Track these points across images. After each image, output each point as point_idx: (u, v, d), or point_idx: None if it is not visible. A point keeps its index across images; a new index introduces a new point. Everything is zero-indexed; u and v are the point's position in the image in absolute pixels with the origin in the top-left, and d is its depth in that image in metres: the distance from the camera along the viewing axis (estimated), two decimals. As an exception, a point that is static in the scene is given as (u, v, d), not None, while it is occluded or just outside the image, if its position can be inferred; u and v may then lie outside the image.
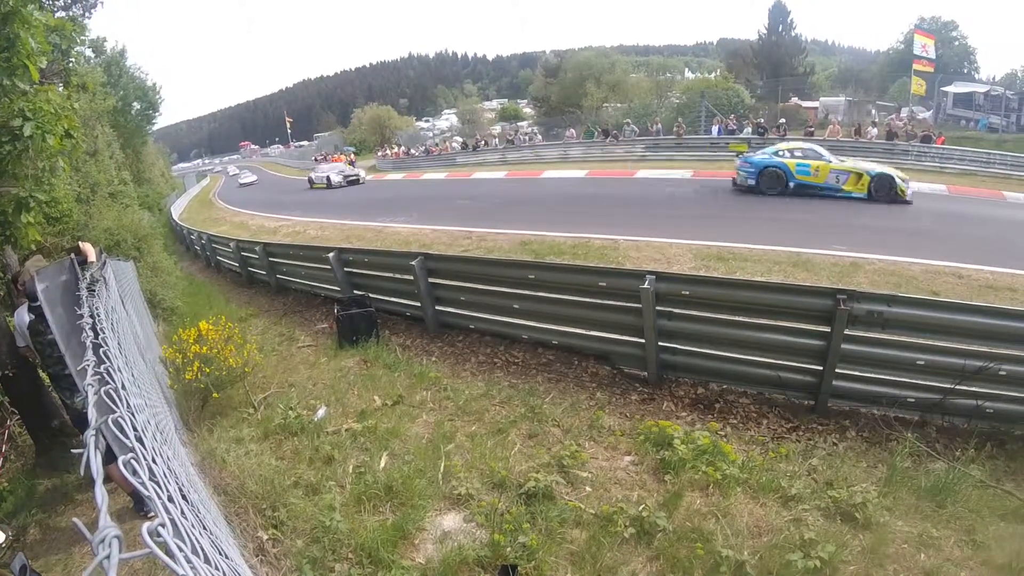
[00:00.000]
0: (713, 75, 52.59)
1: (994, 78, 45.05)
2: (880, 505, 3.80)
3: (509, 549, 3.64)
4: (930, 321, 4.54)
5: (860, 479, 4.12)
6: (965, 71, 44.76)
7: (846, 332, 4.63)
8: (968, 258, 9.05)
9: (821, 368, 4.87)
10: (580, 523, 3.92)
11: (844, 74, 55.87)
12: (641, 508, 3.88)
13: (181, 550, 1.03)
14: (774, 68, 46.54)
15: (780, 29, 50.23)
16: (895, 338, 4.66)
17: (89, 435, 1.26)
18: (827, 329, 4.71)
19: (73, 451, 1.31)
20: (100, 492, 1.03)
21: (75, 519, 1.00)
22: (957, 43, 47.76)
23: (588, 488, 4.29)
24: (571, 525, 3.90)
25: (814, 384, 5.01)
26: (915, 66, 35.65)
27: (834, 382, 4.87)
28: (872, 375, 4.84)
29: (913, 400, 4.74)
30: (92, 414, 1.43)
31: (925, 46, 36.29)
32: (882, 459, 4.38)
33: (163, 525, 1.03)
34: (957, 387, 4.51)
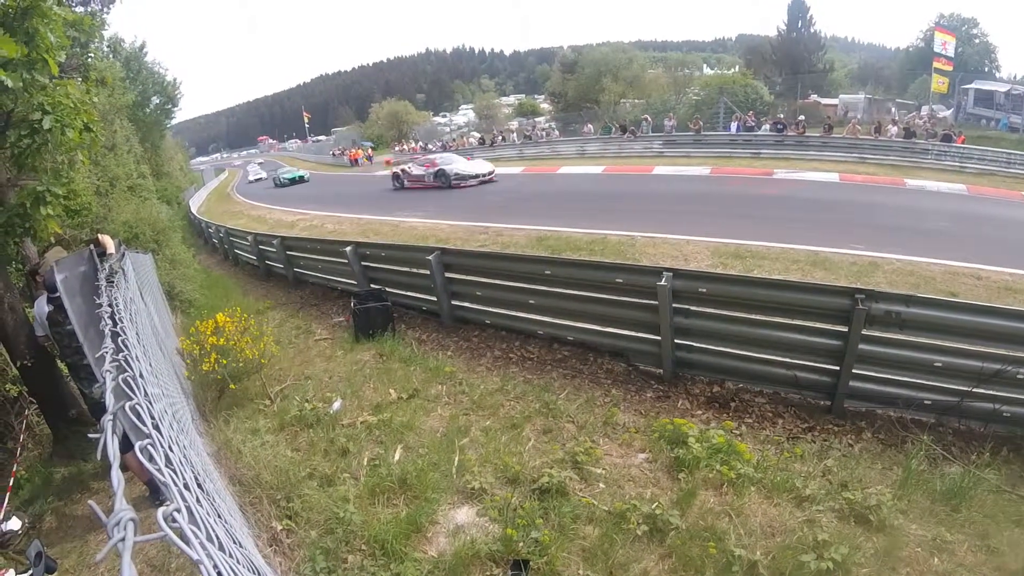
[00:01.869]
0: (732, 71, 52.08)
1: (1015, 77, 44.21)
2: (894, 508, 3.76)
3: (521, 544, 3.65)
4: (948, 322, 4.46)
5: (875, 481, 4.08)
6: (986, 69, 43.86)
7: (863, 332, 4.57)
8: (987, 259, 8.92)
9: (838, 368, 4.82)
10: (593, 519, 3.91)
11: (864, 71, 55.24)
12: (654, 506, 3.86)
13: (196, 536, 1.04)
14: (793, 65, 46.01)
15: (799, 25, 49.65)
16: (913, 339, 4.59)
17: (106, 420, 1.28)
18: (844, 329, 4.66)
19: (90, 435, 1.32)
20: (116, 475, 1.04)
21: (91, 502, 1.01)
22: (978, 41, 46.84)
23: (601, 485, 4.28)
24: (584, 521, 3.90)
25: (830, 384, 4.96)
26: (935, 64, 35.05)
27: (850, 383, 4.82)
28: (889, 376, 4.77)
29: (929, 402, 4.68)
30: (110, 400, 1.45)
31: (945, 44, 35.57)
32: (897, 461, 4.32)
33: (178, 511, 1.04)
34: (974, 390, 4.44)
